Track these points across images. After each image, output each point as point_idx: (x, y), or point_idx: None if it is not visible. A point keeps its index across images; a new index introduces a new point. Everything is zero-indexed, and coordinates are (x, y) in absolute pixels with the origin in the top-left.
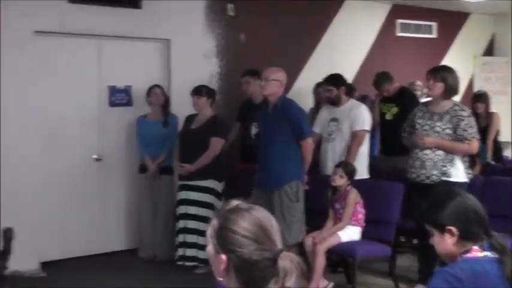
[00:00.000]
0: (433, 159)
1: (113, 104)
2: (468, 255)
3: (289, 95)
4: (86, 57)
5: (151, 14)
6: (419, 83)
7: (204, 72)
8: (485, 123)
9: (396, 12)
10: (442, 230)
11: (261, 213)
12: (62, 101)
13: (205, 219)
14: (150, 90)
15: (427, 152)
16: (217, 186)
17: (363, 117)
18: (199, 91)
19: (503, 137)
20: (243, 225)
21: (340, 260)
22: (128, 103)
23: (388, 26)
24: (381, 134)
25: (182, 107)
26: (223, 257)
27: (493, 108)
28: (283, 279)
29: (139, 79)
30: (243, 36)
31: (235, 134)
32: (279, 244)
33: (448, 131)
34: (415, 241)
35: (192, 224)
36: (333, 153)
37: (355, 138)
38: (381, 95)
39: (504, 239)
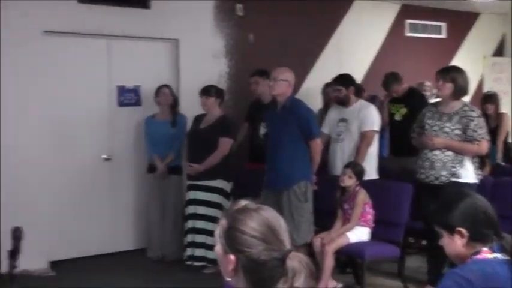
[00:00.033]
0: (443, 159)
1: (121, 103)
2: (478, 256)
3: (298, 95)
4: (95, 57)
5: (160, 14)
6: (428, 83)
7: (212, 72)
8: (495, 124)
9: (405, 12)
10: (451, 231)
11: (270, 213)
12: (71, 101)
13: (213, 219)
14: (159, 90)
15: (437, 152)
16: (226, 186)
17: (372, 117)
18: (208, 91)
19: None
20: (252, 225)
21: (349, 260)
22: (137, 103)
23: (397, 26)
24: (390, 135)
25: (191, 107)
26: (232, 257)
27: (503, 108)
28: (291, 279)
29: (148, 79)
30: (251, 36)
31: (244, 134)
32: (287, 244)
33: (458, 132)
34: (424, 242)
35: (200, 224)
36: (341, 154)
37: (364, 138)
38: (389, 96)
39: None
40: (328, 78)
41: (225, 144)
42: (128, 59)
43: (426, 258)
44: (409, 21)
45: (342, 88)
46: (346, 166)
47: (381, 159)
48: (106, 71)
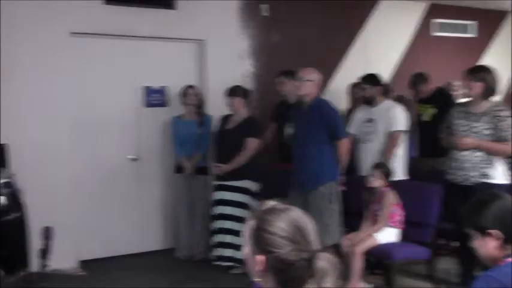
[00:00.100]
0: (472, 160)
1: (148, 104)
2: (511, 259)
3: (324, 95)
4: (122, 58)
5: (186, 14)
6: (456, 83)
7: (238, 73)
8: None
9: (433, 11)
10: (483, 233)
11: (297, 214)
12: (98, 102)
13: (240, 220)
14: (184, 91)
15: (466, 153)
16: (253, 186)
17: (399, 117)
18: (234, 91)
19: None
20: (280, 225)
21: (378, 262)
22: (164, 103)
23: (424, 26)
24: (419, 136)
25: (217, 107)
26: (260, 257)
27: None
28: (320, 279)
29: (174, 80)
30: (277, 36)
31: (271, 134)
32: (315, 245)
33: (487, 132)
34: (454, 244)
35: (228, 224)
36: (368, 154)
37: (391, 139)
38: (416, 96)
39: None
40: (355, 78)
41: (252, 145)
42: (154, 59)
43: (457, 260)
44: (436, 20)
45: (368, 87)
46: (374, 167)
47: (410, 159)
48: (133, 71)
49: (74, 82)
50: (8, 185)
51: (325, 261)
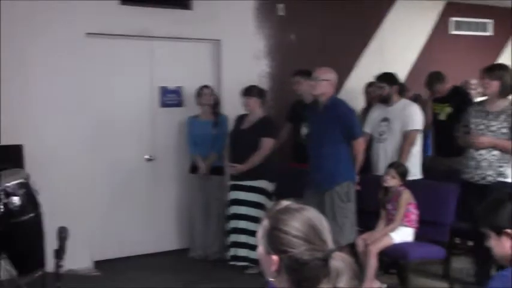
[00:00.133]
0: (489, 159)
1: (164, 104)
2: None
3: (340, 95)
4: (138, 59)
5: (202, 15)
6: (473, 81)
7: (254, 73)
8: None
9: (450, 9)
10: (499, 232)
11: (312, 213)
12: (114, 102)
13: (256, 220)
14: (199, 91)
15: (483, 152)
16: (268, 186)
17: (415, 117)
18: (249, 91)
19: None
20: (294, 225)
21: (393, 261)
22: (179, 104)
23: (441, 24)
24: (435, 135)
25: (233, 107)
26: (274, 257)
27: None
28: (335, 279)
29: (190, 80)
30: (293, 36)
31: (286, 134)
32: (330, 244)
33: (504, 131)
34: (470, 243)
35: (243, 224)
36: (384, 154)
37: (407, 138)
38: (432, 96)
39: None
40: (371, 77)
41: (267, 145)
42: (170, 60)
43: (473, 260)
44: (453, 18)
45: (385, 85)
46: (390, 166)
47: (426, 159)
48: (148, 72)
49: (89, 83)
50: (23, 185)
51: (339, 261)
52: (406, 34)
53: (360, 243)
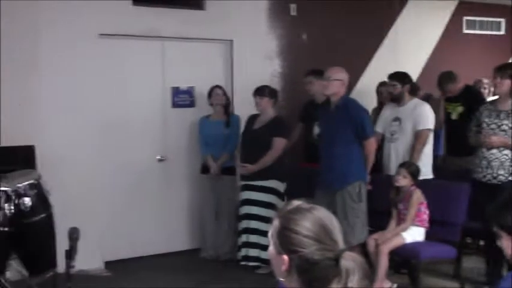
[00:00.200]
0: (500, 158)
1: (176, 105)
2: None
3: (352, 95)
4: (150, 59)
5: (215, 15)
6: (486, 80)
7: (266, 73)
8: None
9: (463, 9)
10: (510, 232)
11: (323, 213)
12: (126, 102)
13: (267, 220)
14: (211, 91)
15: (494, 151)
16: (280, 186)
17: (427, 116)
18: (261, 91)
19: None
20: (305, 225)
21: (404, 261)
22: (191, 104)
23: (454, 24)
24: (446, 134)
25: (245, 107)
26: (285, 257)
27: None
28: (345, 279)
29: (202, 80)
30: (305, 36)
31: (298, 134)
32: (341, 244)
33: None
34: (481, 243)
35: (254, 224)
36: (395, 153)
37: (418, 137)
38: (444, 95)
39: None
40: (383, 77)
41: (279, 145)
42: (182, 60)
43: (484, 260)
44: (466, 18)
45: (397, 84)
46: (401, 166)
47: (437, 158)
48: (160, 72)
49: (101, 83)
50: (35, 186)
51: (350, 261)
52: (418, 34)
53: (371, 243)
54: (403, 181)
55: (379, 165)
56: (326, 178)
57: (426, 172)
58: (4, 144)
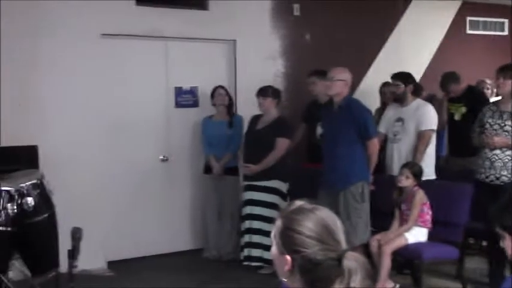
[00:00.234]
0: (503, 159)
1: (179, 105)
2: None
3: (356, 95)
4: (153, 59)
5: (218, 15)
6: (489, 81)
7: (269, 73)
8: None
9: (466, 9)
10: None
11: (325, 213)
12: (129, 102)
13: (270, 220)
14: (214, 91)
15: (497, 152)
16: (283, 186)
17: (430, 116)
18: (264, 91)
19: None
20: (308, 225)
21: (406, 261)
22: (194, 104)
23: (457, 24)
24: (449, 135)
25: (248, 107)
26: (288, 257)
27: None
28: (348, 279)
29: (205, 80)
30: (308, 36)
31: (301, 134)
32: (343, 244)
33: None
34: (484, 243)
35: (257, 225)
36: (398, 154)
37: (421, 138)
38: (447, 96)
39: None
40: (386, 77)
41: (282, 145)
42: (185, 60)
43: (487, 260)
44: (469, 18)
45: (400, 84)
46: (404, 166)
47: (439, 159)
48: (164, 72)
49: (104, 83)
50: (37, 186)
51: (353, 261)
52: (421, 34)
53: (373, 243)
54: (406, 182)
55: (381, 165)
56: (329, 178)
57: (429, 173)
58: (7, 144)
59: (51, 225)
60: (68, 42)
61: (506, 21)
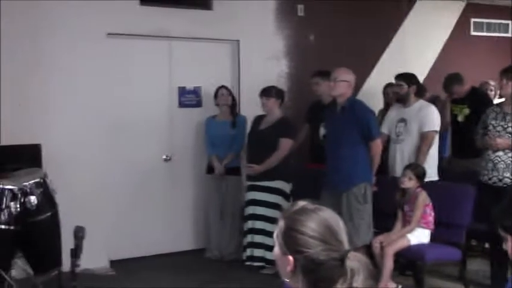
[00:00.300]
0: (506, 161)
1: (182, 104)
2: None
3: (359, 96)
4: (157, 59)
5: (222, 15)
6: (492, 82)
7: (272, 73)
8: None
9: (470, 10)
10: None
11: (328, 214)
12: (132, 102)
13: (272, 220)
14: (217, 92)
15: (500, 153)
16: (286, 187)
17: (432, 118)
18: (268, 92)
19: None
20: (311, 225)
21: (409, 262)
22: (197, 104)
23: (461, 25)
24: (452, 136)
25: (251, 107)
26: (290, 257)
27: None
28: (350, 279)
29: (209, 80)
30: (312, 36)
31: (305, 135)
32: (346, 245)
33: None
34: (486, 245)
35: (259, 225)
36: (400, 155)
37: (424, 139)
38: (450, 97)
39: None
40: (390, 78)
41: (285, 145)
42: (189, 60)
43: (489, 262)
44: (473, 19)
45: (403, 84)
46: (407, 167)
47: (442, 160)
48: (167, 72)
49: (108, 82)
50: (40, 184)
51: (355, 261)
52: (425, 35)
53: (376, 244)
54: (409, 183)
55: (384, 166)
56: (332, 179)
57: (431, 174)
58: (10, 142)
59: (54, 224)
60: (73, 42)
61: (510, 22)
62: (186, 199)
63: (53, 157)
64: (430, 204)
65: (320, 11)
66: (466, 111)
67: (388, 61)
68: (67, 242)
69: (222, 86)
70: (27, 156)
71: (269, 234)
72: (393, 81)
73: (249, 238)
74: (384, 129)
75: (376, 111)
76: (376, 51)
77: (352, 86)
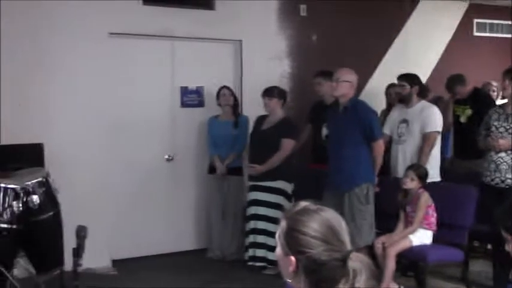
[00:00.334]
0: (508, 162)
1: (184, 104)
2: None
3: (362, 96)
4: (159, 59)
5: (224, 15)
6: (495, 83)
7: (275, 73)
8: None
9: (473, 11)
10: None
11: (330, 214)
12: (134, 102)
13: (274, 220)
14: (220, 92)
15: (502, 154)
16: (288, 187)
17: (435, 118)
18: (270, 92)
19: None
20: (313, 226)
21: (411, 263)
22: (200, 104)
23: (464, 26)
24: (454, 137)
25: (254, 108)
26: (292, 258)
27: None
28: (352, 279)
29: (211, 80)
30: (314, 36)
31: (307, 135)
32: (348, 245)
33: None
34: (489, 246)
35: (261, 225)
36: (402, 155)
37: (426, 140)
38: (453, 98)
39: None
40: (392, 79)
41: (287, 145)
42: (191, 60)
43: (492, 263)
44: (476, 20)
45: (406, 85)
46: (409, 168)
47: (445, 161)
48: (170, 72)
49: (111, 82)
50: (43, 184)
51: (357, 262)
52: (428, 36)
53: (378, 245)
54: (411, 184)
55: (386, 167)
56: (334, 180)
57: (434, 175)
58: (11, 142)
59: (56, 224)
60: (76, 41)
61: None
62: (188, 199)
63: (56, 157)
64: (432, 205)
65: (322, 11)
66: (469, 112)
67: (391, 61)
68: (69, 242)
69: (224, 86)
70: (29, 156)
71: (271, 234)
72: (396, 81)
73: (251, 238)
74: (386, 129)
75: (379, 112)
76: (379, 51)
77: (355, 86)
